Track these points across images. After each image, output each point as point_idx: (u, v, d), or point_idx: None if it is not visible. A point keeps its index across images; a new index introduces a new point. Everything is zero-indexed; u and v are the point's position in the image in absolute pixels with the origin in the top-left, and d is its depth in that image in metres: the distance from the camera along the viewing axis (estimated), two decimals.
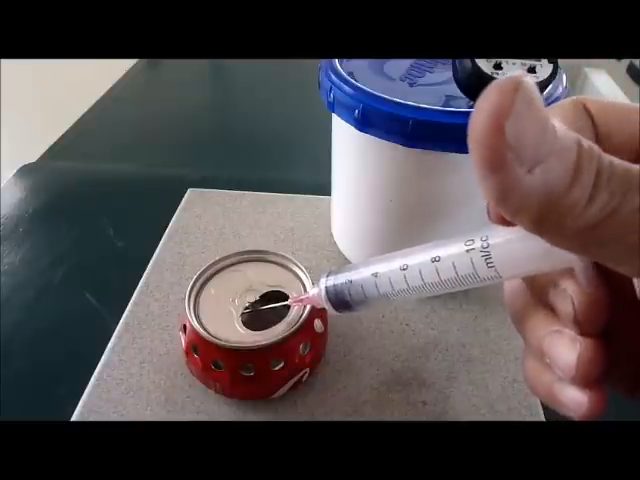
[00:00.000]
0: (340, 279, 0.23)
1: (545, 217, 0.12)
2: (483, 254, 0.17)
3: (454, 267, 0.18)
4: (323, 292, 0.24)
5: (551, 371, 0.17)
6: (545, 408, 0.31)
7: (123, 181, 0.53)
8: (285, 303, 0.28)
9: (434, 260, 0.18)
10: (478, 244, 0.17)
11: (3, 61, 1.06)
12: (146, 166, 0.58)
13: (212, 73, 0.90)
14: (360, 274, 0.22)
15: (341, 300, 0.23)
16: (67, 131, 0.67)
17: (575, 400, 0.16)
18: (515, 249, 0.16)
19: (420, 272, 0.19)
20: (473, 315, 0.37)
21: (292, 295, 0.31)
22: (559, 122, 0.11)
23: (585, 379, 0.15)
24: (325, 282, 0.24)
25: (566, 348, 0.16)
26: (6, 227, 0.46)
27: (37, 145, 0.62)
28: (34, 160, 0.59)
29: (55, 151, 0.63)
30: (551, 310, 0.17)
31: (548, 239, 0.12)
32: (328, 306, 0.24)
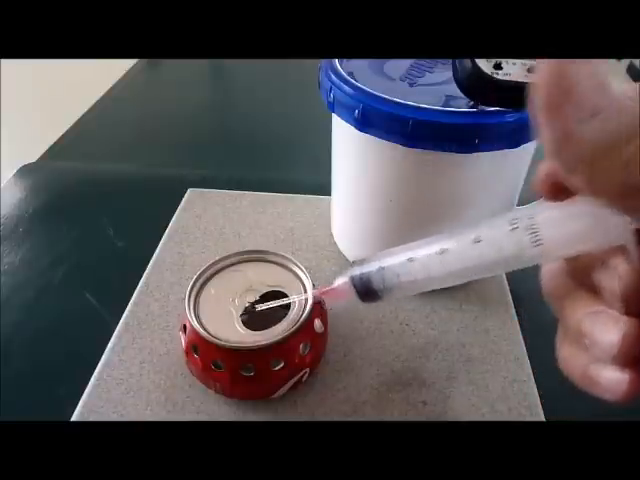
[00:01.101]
0: (370, 267, 0.22)
1: (599, 171, 0.12)
2: (530, 232, 0.16)
3: (497, 248, 0.17)
4: (349, 281, 0.23)
5: (588, 353, 0.16)
6: (545, 408, 0.31)
7: (123, 181, 0.53)
8: (308, 295, 0.28)
9: (476, 241, 0.18)
10: (524, 222, 0.16)
11: (3, 61, 1.06)
12: (146, 166, 0.58)
13: (212, 73, 0.90)
14: (394, 260, 0.21)
15: (368, 288, 0.22)
16: (67, 131, 0.67)
17: (614, 380, 0.16)
18: (564, 227, 0.16)
19: (460, 255, 0.18)
20: (473, 315, 0.37)
21: (292, 295, 0.31)
22: (620, 82, 0.12)
23: (627, 358, 0.15)
24: (351, 272, 0.23)
25: (609, 327, 0.15)
26: (6, 227, 0.46)
27: (37, 145, 0.62)
28: (34, 160, 0.59)
29: (55, 151, 0.63)
30: (592, 291, 0.17)
31: (599, 195, 0.12)
32: (354, 296, 0.23)
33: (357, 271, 0.23)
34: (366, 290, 0.23)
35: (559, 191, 0.16)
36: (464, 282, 0.20)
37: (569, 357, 0.17)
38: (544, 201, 0.17)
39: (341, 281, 0.24)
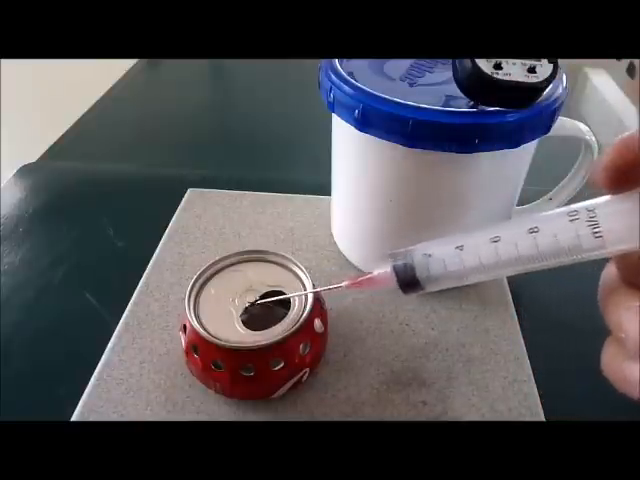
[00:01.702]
0: (413, 255, 0.22)
1: None
2: (590, 224, 0.16)
3: (556, 238, 0.17)
4: (390, 269, 0.22)
5: (625, 351, 0.16)
6: (545, 408, 0.31)
7: (123, 181, 0.53)
8: (340, 285, 0.26)
9: (532, 231, 0.18)
10: (584, 214, 0.17)
11: (3, 61, 1.06)
12: (146, 166, 0.58)
13: (212, 73, 0.90)
14: (440, 248, 0.21)
15: (411, 277, 0.22)
16: (67, 131, 0.67)
17: (637, 376, 0.15)
18: (626, 219, 0.16)
19: (516, 245, 0.18)
20: (473, 315, 0.37)
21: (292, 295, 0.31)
22: None
23: None
24: (393, 261, 0.23)
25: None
26: (6, 227, 0.46)
27: (37, 145, 0.62)
28: (34, 160, 0.59)
29: (55, 151, 0.63)
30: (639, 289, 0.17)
31: None
32: (395, 285, 0.23)
33: (399, 259, 0.22)
34: (409, 279, 0.22)
35: (621, 182, 0.16)
36: (512, 274, 0.19)
37: (610, 356, 0.17)
38: (604, 195, 0.17)
39: (382, 269, 0.23)
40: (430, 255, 0.21)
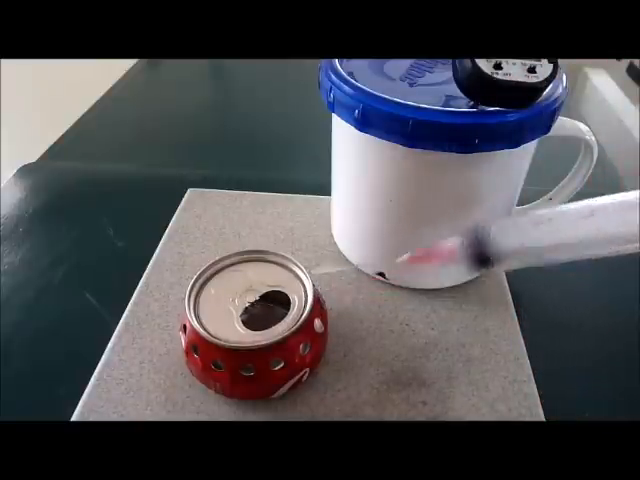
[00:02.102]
0: (488, 230, 0.21)
1: None
2: None
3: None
4: (460, 242, 0.22)
5: None
6: (545, 408, 0.31)
7: (123, 181, 0.53)
8: (401, 259, 0.25)
9: (627, 208, 0.17)
10: None
11: (3, 61, 1.06)
12: (146, 166, 0.58)
13: (212, 73, 0.90)
14: (517, 224, 0.20)
15: (482, 252, 0.21)
16: (67, 131, 0.66)
17: None
18: None
19: (606, 219, 0.18)
20: (473, 315, 0.37)
21: (292, 296, 0.31)
22: None
23: None
24: (464, 234, 0.22)
25: None
26: (6, 227, 0.46)
27: (37, 145, 0.62)
28: (34, 160, 0.59)
29: (55, 151, 0.63)
30: None
31: None
32: (462, 260, 0.22)
33: (472, 233, 0.22)
34: (479, 254, 0.21)
35: None
36: (592, 256, 0.18)
37: None
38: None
39: (449, 244, 0.23)
40: (506, 231, 0.20)
